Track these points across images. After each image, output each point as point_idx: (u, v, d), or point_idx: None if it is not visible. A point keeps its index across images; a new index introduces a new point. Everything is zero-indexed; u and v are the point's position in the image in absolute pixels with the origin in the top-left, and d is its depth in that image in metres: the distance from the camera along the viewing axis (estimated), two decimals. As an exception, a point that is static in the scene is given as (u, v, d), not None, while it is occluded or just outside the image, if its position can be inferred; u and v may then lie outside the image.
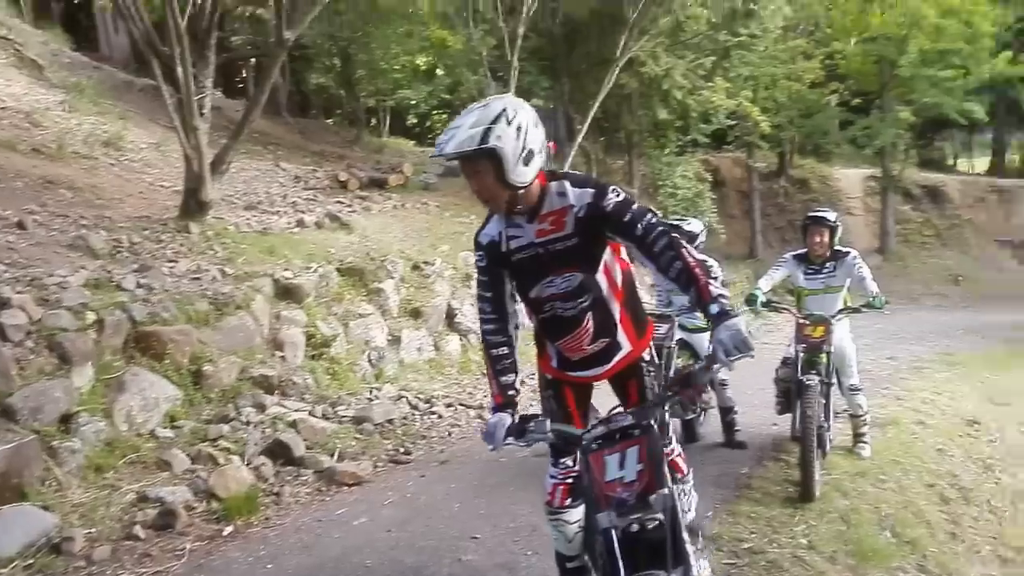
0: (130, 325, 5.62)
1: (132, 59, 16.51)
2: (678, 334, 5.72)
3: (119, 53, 17.16)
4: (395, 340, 7.72)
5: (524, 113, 2.55)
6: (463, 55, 15.43)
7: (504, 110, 2.51)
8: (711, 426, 6.31)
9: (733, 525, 4.47)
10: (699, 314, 5.85)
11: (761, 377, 5.97)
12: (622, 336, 2.88)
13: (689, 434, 6.14)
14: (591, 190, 2.67)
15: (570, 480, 3.02)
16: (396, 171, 12.52)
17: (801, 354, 5.29)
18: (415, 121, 22.10)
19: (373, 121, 20.58)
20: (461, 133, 2.48)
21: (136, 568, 4.04)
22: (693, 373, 2.55)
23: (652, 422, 2.57)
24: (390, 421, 6.15)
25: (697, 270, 2.50)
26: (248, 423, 5.54)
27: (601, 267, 2.77)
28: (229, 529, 4.49)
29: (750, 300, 5.60)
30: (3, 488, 4.24)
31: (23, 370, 4.95)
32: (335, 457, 5.38)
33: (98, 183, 8.93)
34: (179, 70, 7.68)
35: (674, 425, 5.38)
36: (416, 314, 8.27)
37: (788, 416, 5.56)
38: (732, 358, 2.37)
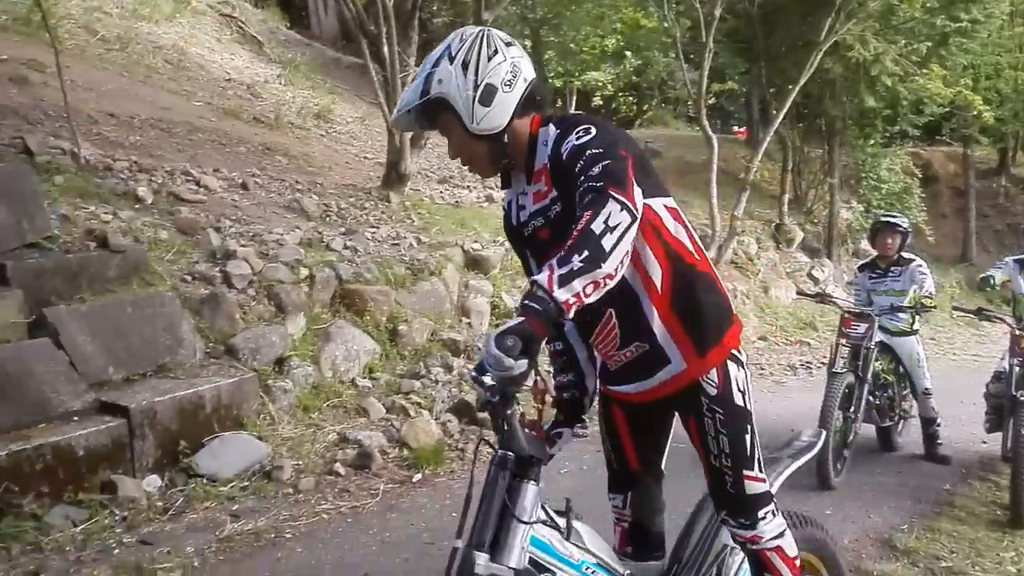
0: (337, 282, 6.06)
1: (340, 38, 17.64)
2: (878, 335, 5.42)
3: (328, 32, 18.35)
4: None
5: (472, 42, 2.00)
6: (654, 37, 15.23)
7: (447, 46, 2.02)
8: (910, 436, 5.95)
9: (932, 542, 4.24)
10: (903, 315, 5.56)
11: (970, 391, 5.55)
12: (668, 346, 2.09)
13: (886, 443, 5.84)
14: (556, 130, 2.04)
15: (625, 523, 2.40)
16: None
17: (1016, 368, 4.91)
18: (601, 103, 22.10)
19: (559, 103, 20.81)
20: (406, 92, 2.08)
21: (336, 501, 4.38)
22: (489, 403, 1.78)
23: (503, 477, 1.83)
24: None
25: (570, 243, 1.73)
26: (437, 381, 5.83)
27: None
28: (418, 476, 4.76)
29: (984, 281, 5.32)
30: (225, 417, 4.72)
31: (245, 315, 5.48)
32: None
33: (309, 152, 9.64)
34: (385, 49, 8.13)
35: (853, 438, 5.14)
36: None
37: (999, 435, 5.15)
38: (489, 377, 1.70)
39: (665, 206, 2.08)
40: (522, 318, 1.65)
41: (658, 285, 2.06)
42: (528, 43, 17.25)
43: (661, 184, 2.11)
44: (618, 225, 1.74)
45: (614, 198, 1.77)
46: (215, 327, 5.21)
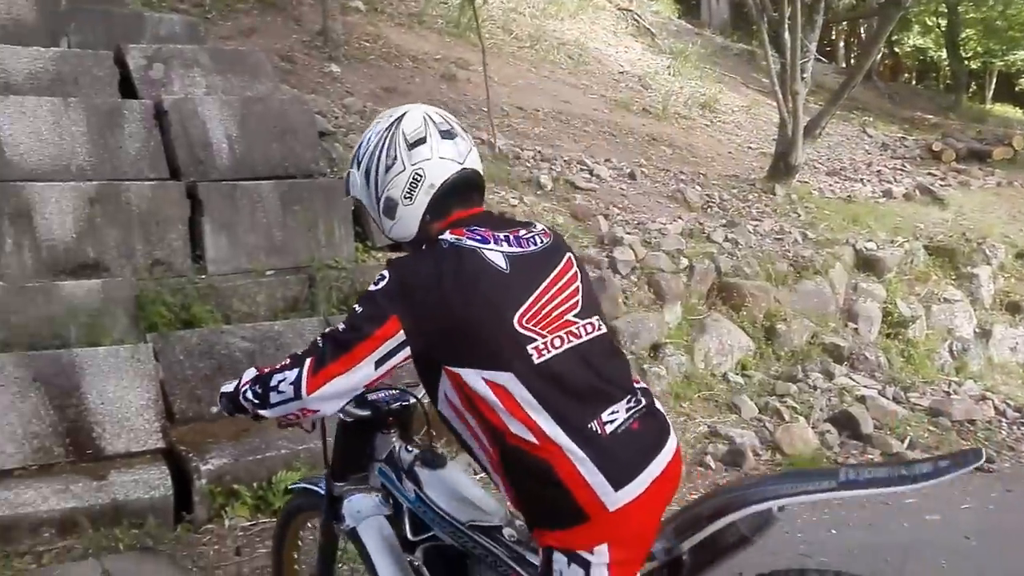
0: (715, 275, 6.03)
1: (729, 25, 17.37)
2: None
3: (717, 20, 18.17)
4: (984, 334, 6.85)
5: (377, 145, 1.84)
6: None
7: (360, 145, 1.90)
8: None
9: None
10: None
11: None
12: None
13: None
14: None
15: None
16: (1003, 143, 10.92)
17: None
18: (1028, 87, 18.97)
19: (973, 86, 18.26)
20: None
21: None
22: None
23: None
24: (971, 422, 5.51)
25: (268, 369, 1.93)
26: (815, 388, 5.52)
27: (441, 397, 1.82)
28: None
29: None
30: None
31: (627, 300, 5.71)
32: (906, 444, 5.04)
33: (693, 142, 9.68)
34: (786, 34, 7.80)
35: None
36: (1015, 309, 7.19)
37: None
38: None
39: (487, 380, 1.71)
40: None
41: (489, 450, 1.79)
42: (941, 20, 15.40)
43: (497, 354, 1.72)
44: (283, 394, 1.81)
45: (301, 370, 1.77)
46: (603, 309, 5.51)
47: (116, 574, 3.20)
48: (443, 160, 1.83)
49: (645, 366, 5.28)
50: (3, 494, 3.29)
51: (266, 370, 1.89)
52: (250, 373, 1.96)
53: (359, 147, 1.90)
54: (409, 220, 1.85)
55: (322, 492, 2.28)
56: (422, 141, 1.82)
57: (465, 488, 1.99)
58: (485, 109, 7.22)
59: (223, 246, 4.63)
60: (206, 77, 5.33)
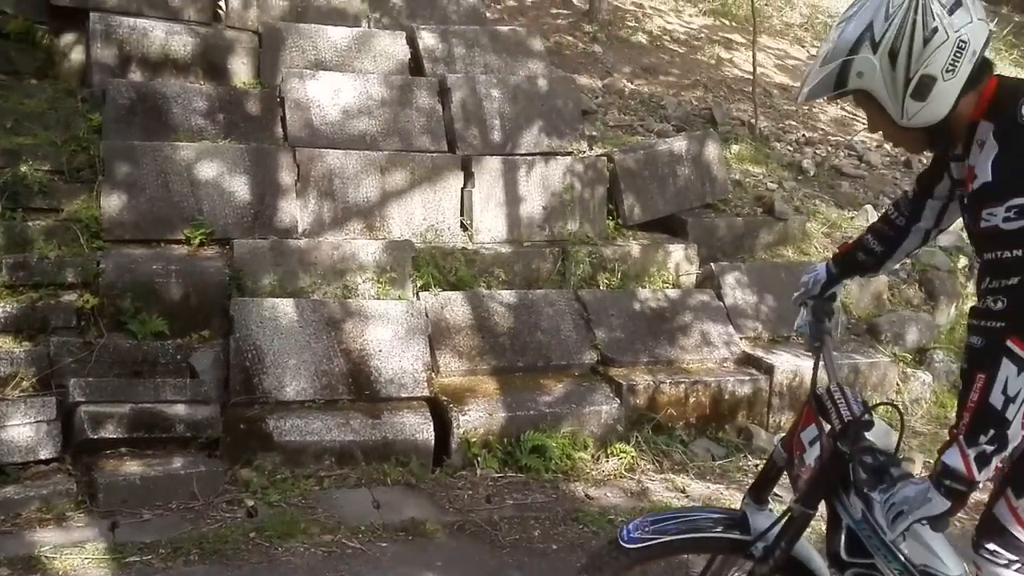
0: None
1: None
2: None
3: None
4: None
5: (902, 21, 1.62)
6: None
7: (869, 25, 1.65)
8: None
9: None
10: None
11: None
12: None
13: None
14: (996, 146, 1.64)
15: None
16: None
17: None
18: None
19: None
20: (813, 71, 1.76)
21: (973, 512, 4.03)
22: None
23: None
24: None
25: (971, 418, 1.59)
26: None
27: None
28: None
29: None
30: (863, 388, 4.69)
31: (892, 297, 5.34)
32: None
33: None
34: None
35: None
36: None
37: None
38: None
39: None
40: (948, 503, 1.60)
41: None
42: None
43: None
44: (1019, 393, 1.55)
45: (1010, 355, 1.56)
46: (859, 305, 5.20)
47: (384, 504, 3.59)
48: (980, 21, 1.67)
49: (908, 370, 4.92)
50: (296, 422, 3.80)
51: (970, 422, 1.60)
52: (957, 447, 1.61)
53: (867, 26, 1.68)
54: (944, 99, 1.68)
55: None
56: (958, 4, 1.66)
57: (926, 530, 1.80)
58: (748, 89, 6.99)
59: (488, 216, 4.94)
60: (484, 56, 5.66)
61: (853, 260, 2.28)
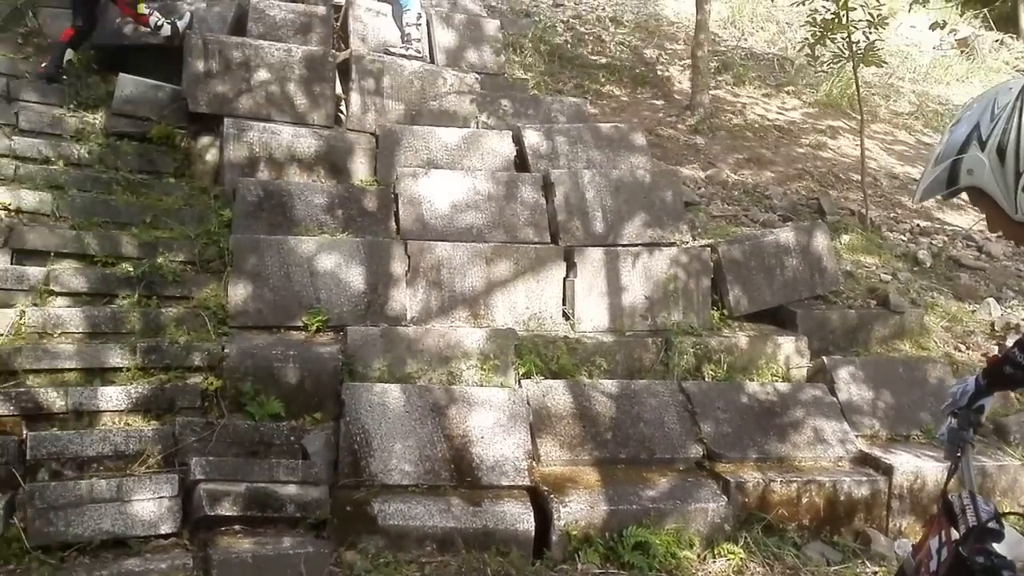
0: None
1: None
2: None
3: None
4: None
5: (1009, 118, 1.67)
6: None
7: (975, 125, 1.71)
8: None
9: None
10: None
11: None
12: None
13: None
14: None
15: None
16: None
17: None
18: None
19: None
20: (927, 172, 1.81)
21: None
22: None
23: None
24: None
25: None
26: None
27: None
28: None
29: None
30: (991, 493, 4.37)
31: (1020, 397, 5.01)
32: None
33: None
34: None
35: None
36: None
37: None
38: None
39: None
40: None
41: None
42: None
43: None
44: None
45: None
46: (986, 403, 4.90)
47: (484, 595, 3.55)
48: None
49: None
50: (399, 506, 3.84)
51: None
52: None
53: (974, 126, 1.75)
54: None
55: None
56: None
57: None
58: (856, 177, 6.88)
59: (590, 305, 4.99)
60: (587, 151, 5.84)
61: (1000, 374, 2.24)
